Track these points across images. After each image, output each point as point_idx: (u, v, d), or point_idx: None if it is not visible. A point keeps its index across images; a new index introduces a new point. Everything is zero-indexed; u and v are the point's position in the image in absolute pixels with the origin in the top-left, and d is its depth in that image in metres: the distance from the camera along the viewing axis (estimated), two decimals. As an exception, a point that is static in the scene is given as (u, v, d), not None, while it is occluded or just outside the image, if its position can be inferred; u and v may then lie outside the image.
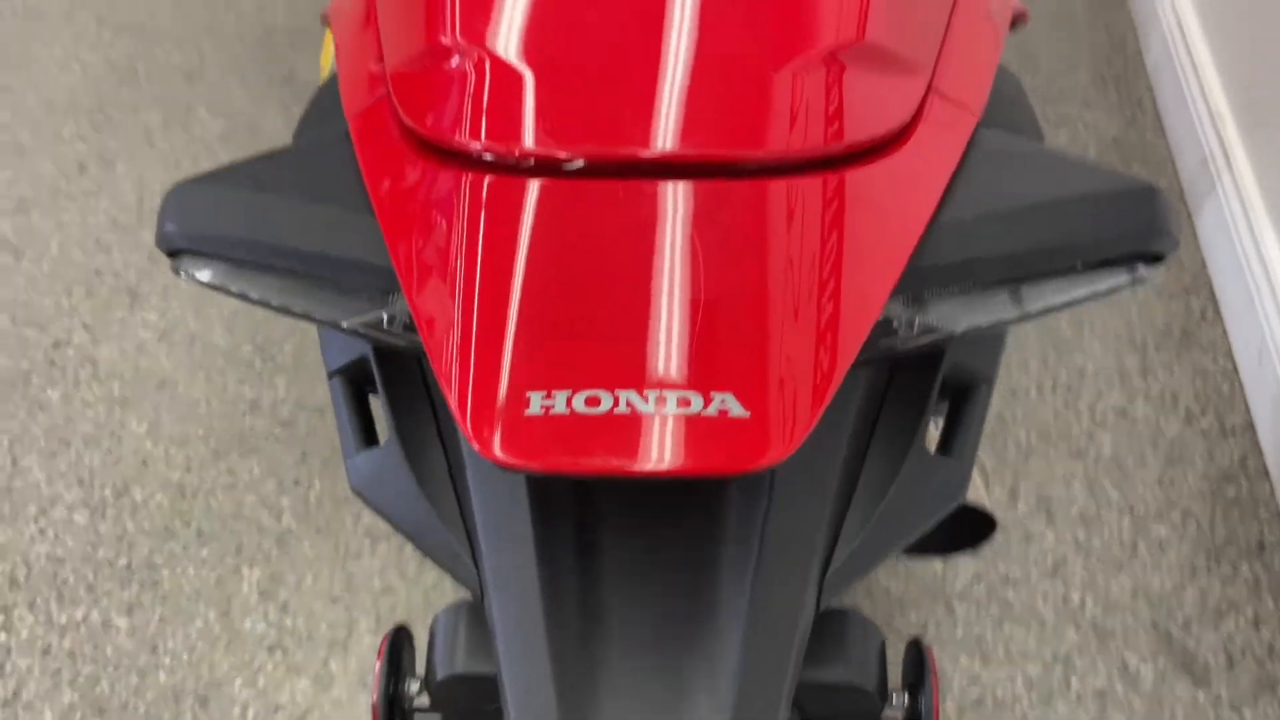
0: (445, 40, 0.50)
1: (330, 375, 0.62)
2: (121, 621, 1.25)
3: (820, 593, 0.54)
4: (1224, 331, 1.52)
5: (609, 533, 0.55)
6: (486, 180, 0.48)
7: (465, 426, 0.42)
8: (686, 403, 0.41)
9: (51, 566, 1.30)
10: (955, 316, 0.49)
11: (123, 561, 1.30)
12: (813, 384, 0.41)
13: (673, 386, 0.41)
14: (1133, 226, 0.47)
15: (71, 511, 1.35)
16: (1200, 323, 1.53)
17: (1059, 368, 1.48)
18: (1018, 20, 0.74)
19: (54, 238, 1.64)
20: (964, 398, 0.59)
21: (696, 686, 0.51)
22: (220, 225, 0.51)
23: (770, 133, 0.45)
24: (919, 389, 0.58)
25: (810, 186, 0.45)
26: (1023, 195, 0.48)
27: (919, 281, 0.47)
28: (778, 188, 0.44)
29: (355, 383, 0.62)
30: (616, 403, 0.41)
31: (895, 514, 0.56)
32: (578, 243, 0.44)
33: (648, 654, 0.52)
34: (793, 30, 0.48)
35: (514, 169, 0.47)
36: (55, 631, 1.25)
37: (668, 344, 0.42)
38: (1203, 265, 1.60)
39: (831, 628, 0.57)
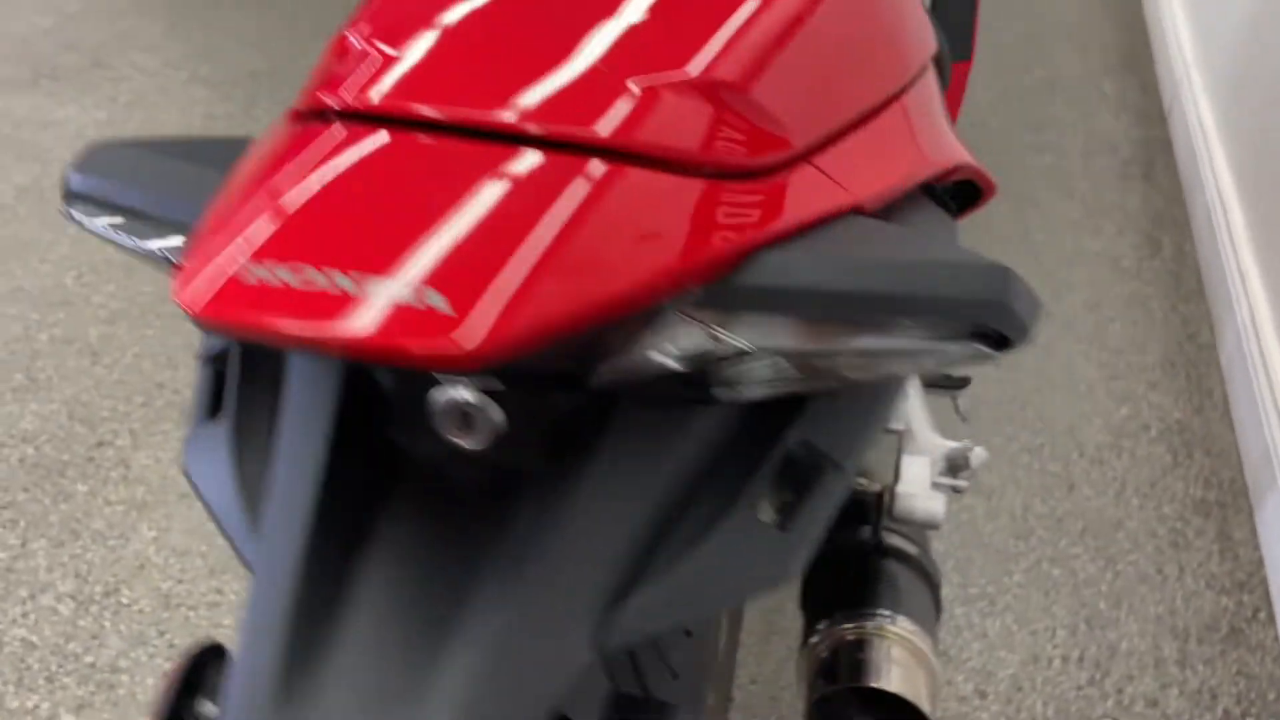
0: (351, 39, 0.54)
1: (200, 360, 0.64)
2: (68, 719, 1.22)
3: (599, 630, 0.50)
4: (1276, 636, 1.40)
5: (391, 521, 0.53)
6: (302, 127, 0.51)
7: (175, 285, 0.44)
8: (392, 291, 0.41)
9: (22, 650, 1.29)
10: (759, 336, 0.48)
11: (89, 659, 1.28)
12: (531, 314, 0.41)
13: (385, 275, 0.41)
14: (973, 297, 0.46)
15: (59, 601, 1.35)
16: (1251, 621, 1.42)
17: (1089, 641, 1.38)
18: (985, 189, 0.74)
19: (132, 349, 1.74)
20: (810, 477, 0.56)
21: (430, 690, 0.48)
22: (109, 175, 0.56)
23: (593, 117, 0.47)
24: (757, 452, 0.56)
25: (624, 175, 0.46)
26: (869, 251, 0.48)
27: (728, 298, 0.47)
28: (584, 164, 0.46)
29: (220, 373, 0.64)
30: (327, 279, 0.42)
31: (705, 570, 0.53)
32: (360, 174, 0.46)
33: (386, 650, 0.49)
34: (662, 49, 0.50)
35: (346, 121, 0.50)
36: (4, 715, 1.22)
37: (396, 243, 0.43)
38: (1260, 563, 1.50)
39: None
